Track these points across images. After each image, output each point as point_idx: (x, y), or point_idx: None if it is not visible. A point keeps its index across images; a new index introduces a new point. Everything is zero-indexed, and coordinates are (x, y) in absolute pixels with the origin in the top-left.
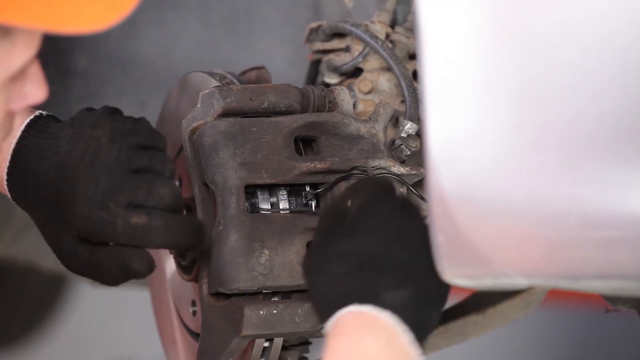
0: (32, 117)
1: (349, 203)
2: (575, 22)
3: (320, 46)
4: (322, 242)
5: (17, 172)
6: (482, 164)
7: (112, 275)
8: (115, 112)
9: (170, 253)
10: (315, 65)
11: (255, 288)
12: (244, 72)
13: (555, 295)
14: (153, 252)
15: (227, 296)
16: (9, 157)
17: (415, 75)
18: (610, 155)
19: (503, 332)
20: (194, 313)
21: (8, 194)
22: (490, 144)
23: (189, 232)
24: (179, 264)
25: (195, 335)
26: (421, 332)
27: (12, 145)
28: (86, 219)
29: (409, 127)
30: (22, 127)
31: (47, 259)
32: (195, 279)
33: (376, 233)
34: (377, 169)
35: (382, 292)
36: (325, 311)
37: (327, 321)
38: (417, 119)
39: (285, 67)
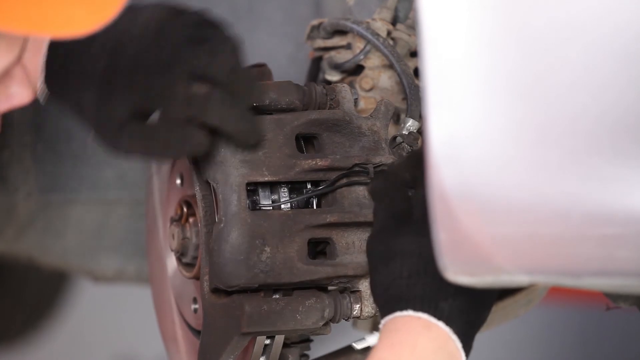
0: None
1: (410, 193)
2: (577, 19)
3: (321, 43)
4: (388, 232)
5: (58, 63)
6: (483, 161)
7: (168, 149)
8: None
9: (171, 249)
10: (316, 63)
11: (256, 285)
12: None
13: (557, 293)
14: (154, 250)
15: (228, 293)
16: (44, 52)
17: (416, 72)
18: (612, 153)
19: (504, 329)
20: (195, 310)
21: (44, 89)
22: (491, 141)
23: (243, 114)
24: (180, 261)
25: (196, 332)
26: (469, 338)
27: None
28: (146, 86)
29: (410, 124)
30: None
31: (49, 256)
32: (197, 277)
33: None
34: (378, 166)
35: (440, 301)
36: (383, 307)
37: (384, 317)
38: (419, 116)
39: (287, 64)
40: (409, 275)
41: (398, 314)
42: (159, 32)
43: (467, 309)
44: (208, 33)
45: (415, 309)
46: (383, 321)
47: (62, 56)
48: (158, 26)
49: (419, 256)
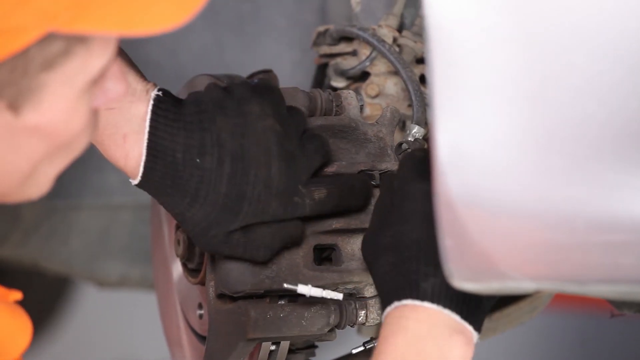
0: (152, 102)
1: (395, 184)
2: (583, 26)
3: (327, 50)
4: (372, 230)
5: (160, 166)
6: (489, 168)
7: (270, 249)
8: (264, 90)
9: (177, 255)
10: (322, 69)
11: (261, 291)
12: (251, 76)
13: (561, 300)
14: (160, 256)
15: (234, 299)
16: (144, 152)
17: (422, 79)
18: (618, 159)
19: (509, 336)
20: (201, 316)
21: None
22: (497, 147)
23: (353, 190)
24: (185, 267)
25: (201, 338)
26: (470, 310)
27: (145, 139)
28: (280, 206)
29: (415, 131)
30: (148, 116)
31: (53, 261)
32: (202, 282)
33: (414, 218)
34: (384, 172)
35: (421, 282)
36: (383, 303)
37: (383, 312)
38: (424, 122)
39: (292, 70)
40: (393, 266)
41: (388, 309)
42: (272, 146)
43: (448, 284)
44: (299, 122)
45: (399, 298)
46: (383, 315)
47: (164, 159)
48: (270, 139)
49: (398, 245)
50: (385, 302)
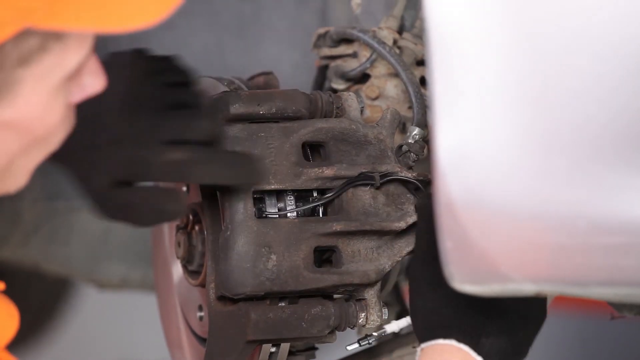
0: None
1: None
2: (585, 28)
3: (327, 52)
4: (436, 256)
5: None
6: (490, 170)
7: (146, 217)
8: (143, 51)
9: (177, 257)
10: (322, 71)
11: (262, 293)
12: (252, 78)
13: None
14: (160, 257)
15: (234, 301)
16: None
17: (422, 81)
18: (619, 161)
19: None
20: (201, 318)
21: None
22: (498, 149)
23: (230, 165)
24: (186, 269)
25: (202, 340)
26: None
27: None
28: (124, 159)
29: (416, 133)
30: None
31: (54, 263)
32: (203, 284)
33: None
34: (384, 174)
35: (482, 336)
36: (424, 330)
37: (425, 342)
38: (425, 125)
39: (293, 72)
40: (457, 304)
41: (440, 341)
42: (130, 98)
43: (505, 349)
44: (178, 96)
45: (459, 339)
46: (423, 345)
47: None
48: (129, 91)
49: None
50: (431, 332)
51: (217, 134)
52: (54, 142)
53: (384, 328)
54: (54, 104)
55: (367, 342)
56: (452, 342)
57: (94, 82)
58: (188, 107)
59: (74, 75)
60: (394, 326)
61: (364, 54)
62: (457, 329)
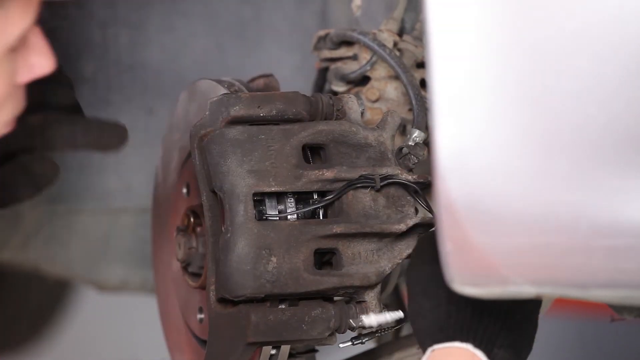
0: None
1: None
2: (585, 29)
3: (327, 54)
4: (429, 263)
5: None
6: (490, 172)
7: (22, 189)
8: None
9: (177, 259)
10: (323, 73)
11: (262, 295)
12: (252, 80)
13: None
14: (160, 260)
15: (235, 303)
16: None
17: (422, 83)
18: (619, 163)
19: None
20: (201, 320)
21: None
22: (498, 151)
23: (90, 130)
24: (186, 271)
25: (202, 342)
26: None
27: None
28: None
29: (416, 135)
30: None
31: (54, 265)
32: (203, 286)
33: None
34: (384, 177)
35: (495, 347)
36: (435, 334)
37: (439, 343)
38: (425, 127)
39: (293, 74)
40: (474, 309)
41: (457, 344)
42: None
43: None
44: None
45: (475, 345)
46: (436, 347)
47: None
48: None
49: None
50: (447, 334)
51: (76, 100)
52: (3, 118)
53: (362, 320)
54: None
55: (359, 341)
56: (469, 347)
57: (43, 62)
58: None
59: (22, 54)
60: (372, 319)
61: (364, 56)
62: (475, 334)
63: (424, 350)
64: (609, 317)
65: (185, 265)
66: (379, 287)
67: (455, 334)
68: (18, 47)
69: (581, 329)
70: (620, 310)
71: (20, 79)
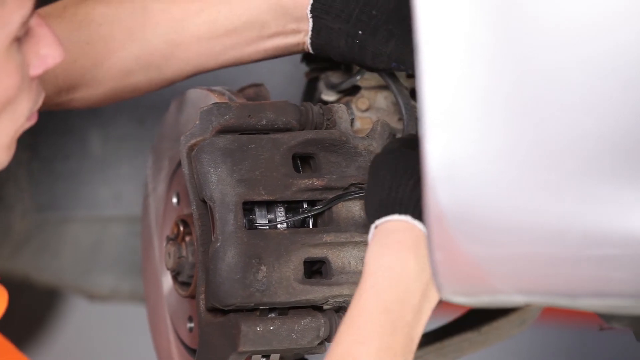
0: None
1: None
2: (577, 40)
3: (318, 64)
4: (395, 152)
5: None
6: (480, 182)
7: None
8: None
9: (167, 268)
10: (313, 83)
11: (252, 304)
12: (243, 89)
13: (551, 313)
14: (150, 269)
15: (224, 312)
16: None
17: (412, 93)
18: (609, 174)
19: (498, 350)
20: (191, 329)
21: None
22: (488, 161)
23: None
24: (176, 280)
25: (192, 351)
26: None
27: None
28: None
29: None
30: None
31: (44, 274)
32: (192, 295)
33: None
34: None
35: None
36: (377, 210)
37: (377, 220)
38: None
39: (283, 84)
40: (414, 184)
41: (395, 216)
42: None
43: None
44: None
45: (414, 216)
46: (377, 222)
47: None
48: None
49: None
50: (387, 209)
51: None
52: (21, 111)
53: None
54: (6, 67)
55: None
56: (407, 219)
57: (53, 53)
58: None
59: (31, 47)
60: None
61: (355, 65)
62: (413, 206)
63: (369, 229)
64: (598, 326)
65: (175, 274)
66: None
67: (394, 207)
68: (26, 39)
69: (570, 337)
70: (609, 319)
71: (33, 71)
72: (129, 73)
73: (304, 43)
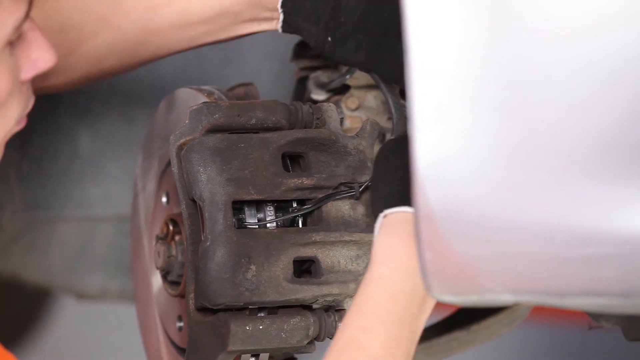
0: None
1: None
2: (564, 40)
3: (307, 63)
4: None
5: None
6: (469, 181)
7: None
8: None
9: (157, 267)
10: (302, 82)
11: (241, 304)
12: (232, 88)
13: (540, 312)
14: (139, 268)
15: (214, 311)
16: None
17: (402, 92)
18: (597, 173)
19: (487, 348)
20: (180, 328)
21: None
22: (477, 161)
23: None
24: (165, 279)
25: (181, 350)
26: None
27: None
28: None
29: None
30: None
31: (33, 274)
32: (182, 294)
33: None
34: (364, 185)
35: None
36: (388, 199)
37: (387, 209)
38: None
39: (273, 83)
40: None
41: (406, 208)
42: None
43: None
44: None
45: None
46: (387, 211)
47: None
48: None
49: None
50: (396, 200)
51: None
52: (11, 114)
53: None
54: None
55: None
56: (409, 210)
57: (45, 57)
58: None
59: (23, 50)
60: None
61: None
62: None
63: (377, 217)
64: (587, 324)
65: (165, 274)
66: None
67: (406, 199)
68: (17, 43)
69: (559, 336)
70: (597, 318)
71: (24, 75)
72: (102, 59)
73: (277, 29)
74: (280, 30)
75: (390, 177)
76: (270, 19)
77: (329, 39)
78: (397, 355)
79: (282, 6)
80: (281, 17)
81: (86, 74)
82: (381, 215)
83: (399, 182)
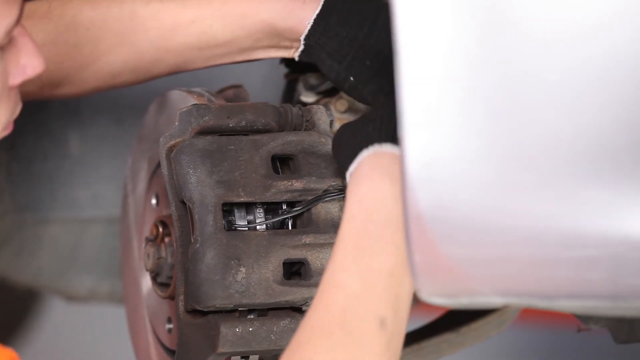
0: None
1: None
2: (555, 42)
3: (297, 65)
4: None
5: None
6: (459, 183)
7: None
8: None
9: (146, 269)
10: (292, 84)
11: (231, 306)
12: (222, 90)
13: (529, 314)
14: (129, 270)
15: (204, 313)
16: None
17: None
18: (587, 175)
19: (477, 350)
20: (170, 330)
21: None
22: (467, 163)
23: None
24: (155, 281)
25: (171, 352)
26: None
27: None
28: None
29: None
30: None
31: (22, 275)
32: (172, 296)
33: None
34: None
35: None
36: (357, 141)
37: (354, 161)
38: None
39: (262, 85)
40: (374, 124)
41: (364, 152)
42: None
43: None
44: None
45: (379, 140)
46: (351, 168)
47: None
48: None
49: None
50: (356, 149)
51: None
52: None
53: None
54: None
55: None
56: (375, 148)
57: (33, 63)
58: None
59: (12, 56)
60: None
61: None
62: (378, 134)
63: (346, 168)
64: (576, 327)
65: (154, 276)
66: None
67: (361, 145)
68: (7, 48)
69: (548, 339)
70: (586, 320)
71: (12, 81)
72: (116, 75)
73: (293, 57)
74: (297, 58)
75: (343, 146)
76: (289, 48)
77: (351, 78)
78: (380, 286)
79: (306, 39)
80: (302, 47)
81: (98, 87)
82: (347, 174)
83: (353, 139)
